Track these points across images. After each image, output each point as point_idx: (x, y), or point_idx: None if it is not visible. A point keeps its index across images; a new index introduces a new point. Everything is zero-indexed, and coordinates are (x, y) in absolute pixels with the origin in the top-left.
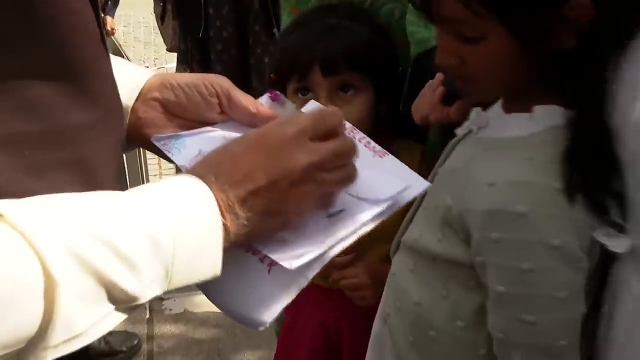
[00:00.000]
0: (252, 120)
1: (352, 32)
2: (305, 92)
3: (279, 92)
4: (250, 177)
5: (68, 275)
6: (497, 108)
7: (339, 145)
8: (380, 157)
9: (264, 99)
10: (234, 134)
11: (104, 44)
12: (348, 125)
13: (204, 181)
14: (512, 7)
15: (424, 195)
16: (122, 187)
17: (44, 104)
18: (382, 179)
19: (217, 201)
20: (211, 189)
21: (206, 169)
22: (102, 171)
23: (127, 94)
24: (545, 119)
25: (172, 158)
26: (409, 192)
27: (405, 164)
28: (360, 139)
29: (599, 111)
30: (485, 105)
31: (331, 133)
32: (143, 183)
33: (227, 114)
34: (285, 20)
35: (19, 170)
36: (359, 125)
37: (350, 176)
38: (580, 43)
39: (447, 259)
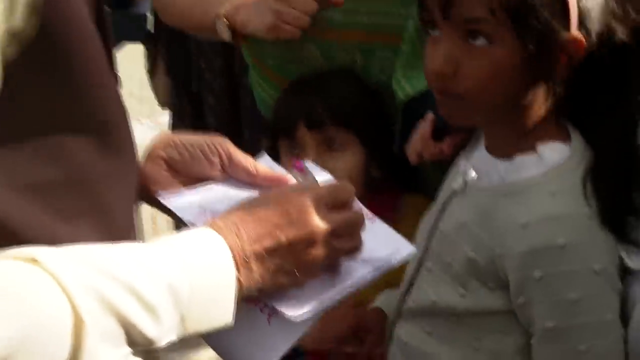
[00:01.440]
0: (251, 179)
1: (337, 88)
2: (294, 150)
3: (302, 162)
4: (270, 237)
5: (94, 315)
6: (483, 157)
7: (352, 217)
8: (371, 222)
9: (263, 159)
10: (234, 192)
11: (121, 97)
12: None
13: (222, 235)
14: (528, 17)
15: (421, 258)
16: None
17: (71, 155)
18: (374, 243)
19: (234, 255)
20: (229, 243)
21: (227, 224)
22: (120, 217)
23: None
24: (551, 156)
25: (178, 214)
26: (398, 256)
27: (414, 223)
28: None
29: (627, 133)
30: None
31: (344, 204)
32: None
33: (227, 173)
34: (254, 80)
35: (47, 215)
36: (350, 182)
37: (357, 246)
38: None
39: (476, 312)
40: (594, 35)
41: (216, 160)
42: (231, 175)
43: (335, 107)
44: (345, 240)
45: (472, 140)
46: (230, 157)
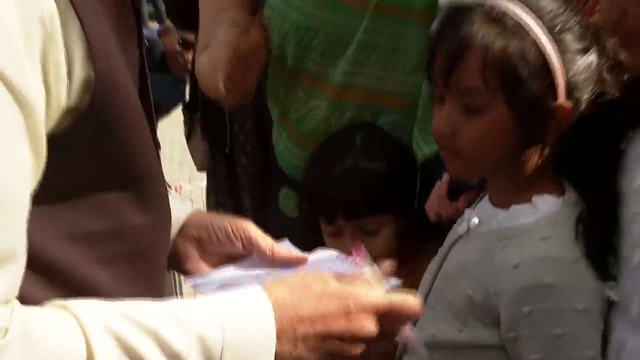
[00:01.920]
0: (269, 261)
1: (371, 174)
2: (332, 227)
3: (361, 253)
4: (323, 322)
5: (108, 355)
6: (486, 206)
7: (394, 334)
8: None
9: (284, 243)
10: (254, 272)
11: (159, 157)
12: (341, 255)
13: (270, 299)
14: (517, 87)
15: (426, 295)
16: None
17: (112, 207)
18: None
19: (280, 324)
20: (281, 312)
21: (282, 291)
22: (155, 264)
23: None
24: (544, 207)
25: (200, 293)
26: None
27: None
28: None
29: (611, 182)
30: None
31: (402, 322)
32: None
33: (249, 253)
34: (277, 130)
35: (90, 261)
36: (387, 256)
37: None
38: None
39: (471, 345)
40: (583, 102)
41: (239, 243)
42: (252, 255)
43: (373, 197)
44: (378, 348)
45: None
46: (250, 240)
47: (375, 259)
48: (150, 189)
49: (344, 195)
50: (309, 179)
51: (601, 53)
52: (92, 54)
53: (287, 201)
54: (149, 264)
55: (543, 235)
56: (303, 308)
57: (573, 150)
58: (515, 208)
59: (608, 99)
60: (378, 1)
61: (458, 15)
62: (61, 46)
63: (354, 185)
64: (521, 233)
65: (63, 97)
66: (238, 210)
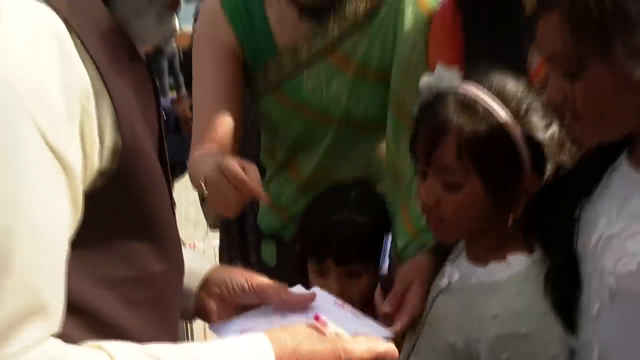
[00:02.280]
0: (280, 307)
1: (362, 227)
2: (320, 272)
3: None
4: None
5: None
6: (464, 263)
7: None
8: (361, 318)
9: (297, 287)
10: (267, 319)
11: (175, 215)
12: (338, 301)
13: (273, 343)
14: (488, 164)
15: (413, 344)
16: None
17: (136, 256)
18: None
19: None
20: (278, 351)
21: (284, 337)
22: (171, 307)
23: (192, 282)
24: (516, 264)
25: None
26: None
27: None
28: (347, 308)
29: (570, 244)
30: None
31: None
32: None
33: (263, 301)
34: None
35: (117, 303)
36: (367, 298)
37: None
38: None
39: None
40: (547, 174)
41: (253, 294)
42: (266, 303)
43: (363, 247)
44: None
45: (455, 250)
46: (262, 291)
47: (355, 300)
48: (167, 241)
49: (338, 243)
50: (306, 224)
51: (561, 127)
52: (119, 124)
53: (267, 252)
54: (165, 306)
55: (517, 290)
56: (301, 351)
57: (539, 213)
58: (492, 266)
59: (566, 169)
60: (339, 119)
61: (435, 101)
62: (94, 118)
63: (347, 235)
64: (498, 288)
65: (96, 161)
66: (247, 264)
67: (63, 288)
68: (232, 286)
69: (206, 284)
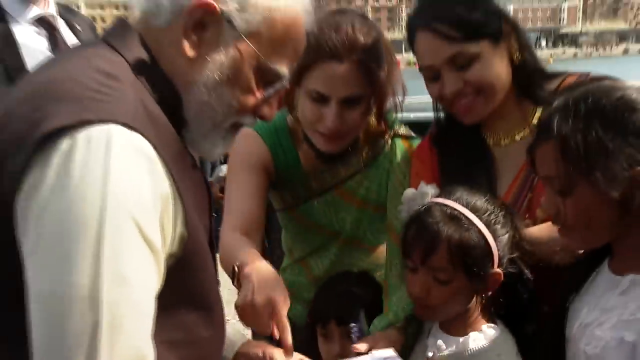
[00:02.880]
0: None
1: (358, 297)
2: (325, 337)
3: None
4: None
5: None
6: (440, 334)
7: None
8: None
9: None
10: None
11: (220, 293)
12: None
13: None
14: (473, 265)
15: None
16: None
17: (191, 324)
18: None
19: None
20: None
21: None
22: None
23: (229, 351)
24: (490, 333)
25: None
26: None
27: None
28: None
29: (560, 328)
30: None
31: None
32: None
33: None
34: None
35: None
36: None
37: None
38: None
39: None
40: (504, 267)
41: None
42: None
43: (358, 311)
44: None
45: (424, 330)
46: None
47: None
48: (214, 313)
49: (339, 306)
50: (315, 300)
51: (514, 231)
52: (187, 221)
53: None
54: (214, 355)
55: (497, 352)
56: None
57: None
58: (472, 334)
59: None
60: (344, 237)
61: (423, 211)
62: (171, 215)
63: (347, 301)
64: (481, 352)
65: (169, 247)
66: (270, 340)
67: (153, 345)
68: (251, 357)
69: (236, 356)
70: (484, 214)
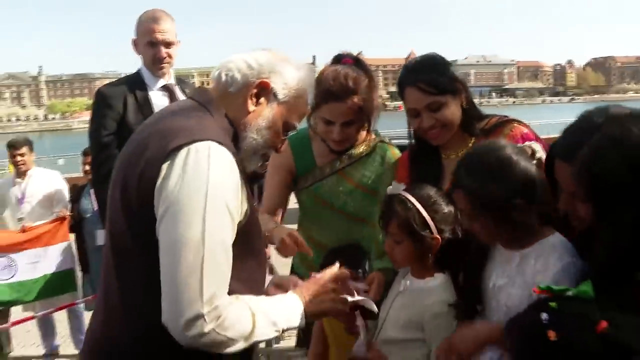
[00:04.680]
0: None
1: (362, 251)
2: None
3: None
4: (318, 291)
5: (260, 316)
6: (410, 277)
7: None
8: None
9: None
10: None
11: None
12: None
13: (297, 295)
14: (414, 232)
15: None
16: None
17: (250, 267)
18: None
19: (304, 299)
20: (300, 295)
21: (298, 292)
22: (261, 284)
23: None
24: (439, 278)
25: None
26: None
27: None
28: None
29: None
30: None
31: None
32: None
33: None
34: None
35: (241, 288)
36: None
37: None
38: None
39: (407, 340)
40: (446, 234)
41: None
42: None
43: (364, 261)
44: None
45: (400, 272)
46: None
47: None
48: (262, 259)
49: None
50: (330, 253)
51: (454, 210)
52: (248, 200)
53: None
54: (259, 293)
55: (442, 290)
56: (310, 289)
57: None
58: (427, 279)
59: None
60: (346, 212)
61: (387, 200)
62: (240, 196)
63: (348, 253)
64: (433, 289)
65: (240, 217)
66: None
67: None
68: (281, 282)
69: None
70: (426, 198)
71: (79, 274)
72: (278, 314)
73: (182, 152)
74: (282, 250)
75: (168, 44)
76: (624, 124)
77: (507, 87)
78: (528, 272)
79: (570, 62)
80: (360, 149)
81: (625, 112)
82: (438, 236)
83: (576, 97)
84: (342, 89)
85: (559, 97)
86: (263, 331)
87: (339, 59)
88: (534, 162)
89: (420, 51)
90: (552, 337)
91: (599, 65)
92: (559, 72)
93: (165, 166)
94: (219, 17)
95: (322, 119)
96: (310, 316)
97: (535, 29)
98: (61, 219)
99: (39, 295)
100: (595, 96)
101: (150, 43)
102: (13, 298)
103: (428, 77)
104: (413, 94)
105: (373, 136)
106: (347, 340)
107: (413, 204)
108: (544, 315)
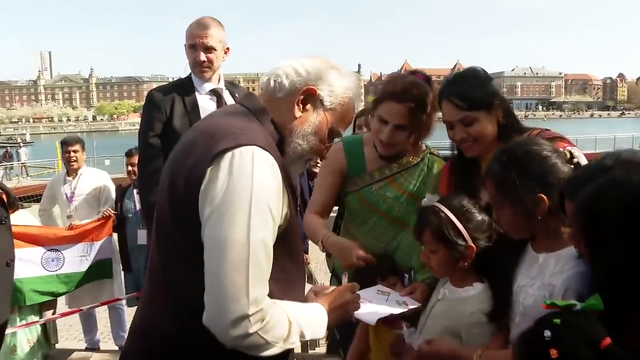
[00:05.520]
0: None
1: (390, 266)
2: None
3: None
4: (335, 305)
5: (295, 325)
6: (448, 285)
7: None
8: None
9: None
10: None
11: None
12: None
13: (323, 305)
14: (449, 241)
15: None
16: None
17: (289, 270)
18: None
19: (328, 309)
20: (325, 304)
21: (325, 299)
22: (300, 296)
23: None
24: (477, 287)
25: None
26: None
27: None
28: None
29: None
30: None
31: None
32: None
33: None
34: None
35: (277, 291)
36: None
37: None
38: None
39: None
40: (481, 242)
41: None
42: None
43: (410, 268)
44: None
45: (440, 282)
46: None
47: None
48: (300, 263)
49: (381, 267)
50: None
51: (490, 219)
52: (289, 204)
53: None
54: (298, 297)
55: (480, 299)
56: (330, 303)
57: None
58: (466, 288)
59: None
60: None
61: (421, 212)
62: (281, 200)
63: (385, 264)
64: (470, 298)
65: (281, 220)
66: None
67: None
68: (320, 290)
69: (310, 291)
70: (458, 208)
71: (119, 269)
72: (307, 324)
73: (227, 156)
74: (352, 266)
75: (208, 49)
76: (629, 169)
77: (554, 100)
78: (546, 274)
79: (621, 76)
80: (410, 158)
81: (636, 159)
82: (472, 244)
83: (627, 112)
84: (405, 92)
85: (608, 112)
86: (294, 339)
87: (412, 73)
88: (571, 166)
89: (467, 62)
90: (553, 355)
91: None
92: (609, 86)
93: (210, 170)
94: (265, 23)
95: (378, 117)
96: (329, 327)
97: (585, 41)
98: (107, 218)
99: (79, 283)
100: None
101: (191, 46)
102: (61, 290)
103: (462, 92)
104: (447, 107)
105: (424, 147)
106: (389, 345)
107: (445, 213)
108: (547, 333)
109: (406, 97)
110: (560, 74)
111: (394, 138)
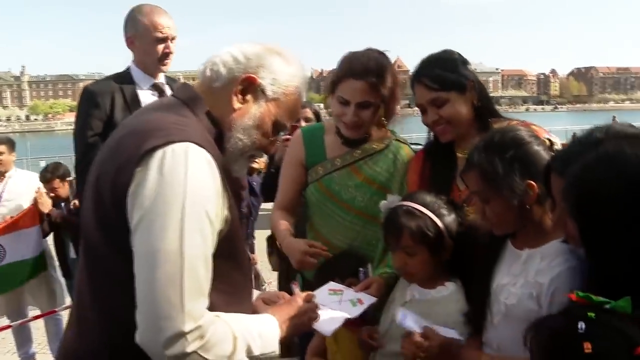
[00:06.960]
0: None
1: (363, 255)
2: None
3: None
4: (289, 316)
5: (241, 340)
6: (416, 287)
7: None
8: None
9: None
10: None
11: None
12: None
13: (273, 314)
14: (431, 244)
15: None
16: None
17: (230, 272)
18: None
19: (280, 322)
20: (276, 315)
21: (276, 309)
22: (245, 301)
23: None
24: (450, 287)
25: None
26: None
27: None
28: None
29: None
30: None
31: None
32: None
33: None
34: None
35: (218, 297)
36: None
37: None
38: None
39: None
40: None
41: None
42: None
43: (366, 263)
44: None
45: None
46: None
47: None
48: (244, 265)
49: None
50: (336, 258)
51: (456, 214)
52: (230, 207)
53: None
54: (242, 300)
55: (454, 300)
56: (282, 313)
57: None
58: (438, 288)
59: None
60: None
61: (390, 214)
62: (220, 202)
63: (347, 260)
64: (444, 299)
65: (221, 225)
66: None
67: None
68: (269, 298)
69: (258, 298)
70: (431, 205)
71: (57, 277)
72: (255, 338)
73: (157, 155)
74: (304, 266)
75: (173, 39)
76: (621, 142)
77: (492, 94)
78: (531, 271)
79: (553, 72)
80: (374, 144)
81: (627, 131)
82: (449, 240)
83: (559, 106)
84: (363, 67)
85: (542, 106)
86: (240, 356)
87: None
88: (552, 153)
89: (408, 58)
90: (587, 349)
91: (582, 75)
92: (543, 81)
93: (138, 171)
94: (210, 19)
95: (338, 98)
96: (283, 339)
97: (520, 38)
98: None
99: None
100: (578, 105)
101: (157, 39)
102: None
103: (433, 73)
104: (419, 89)
105: (389, 133)
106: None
107: (422, 211)
108: (582, 325)
109: (365, 73)
110: (497, 69)
111: (359, 118)
